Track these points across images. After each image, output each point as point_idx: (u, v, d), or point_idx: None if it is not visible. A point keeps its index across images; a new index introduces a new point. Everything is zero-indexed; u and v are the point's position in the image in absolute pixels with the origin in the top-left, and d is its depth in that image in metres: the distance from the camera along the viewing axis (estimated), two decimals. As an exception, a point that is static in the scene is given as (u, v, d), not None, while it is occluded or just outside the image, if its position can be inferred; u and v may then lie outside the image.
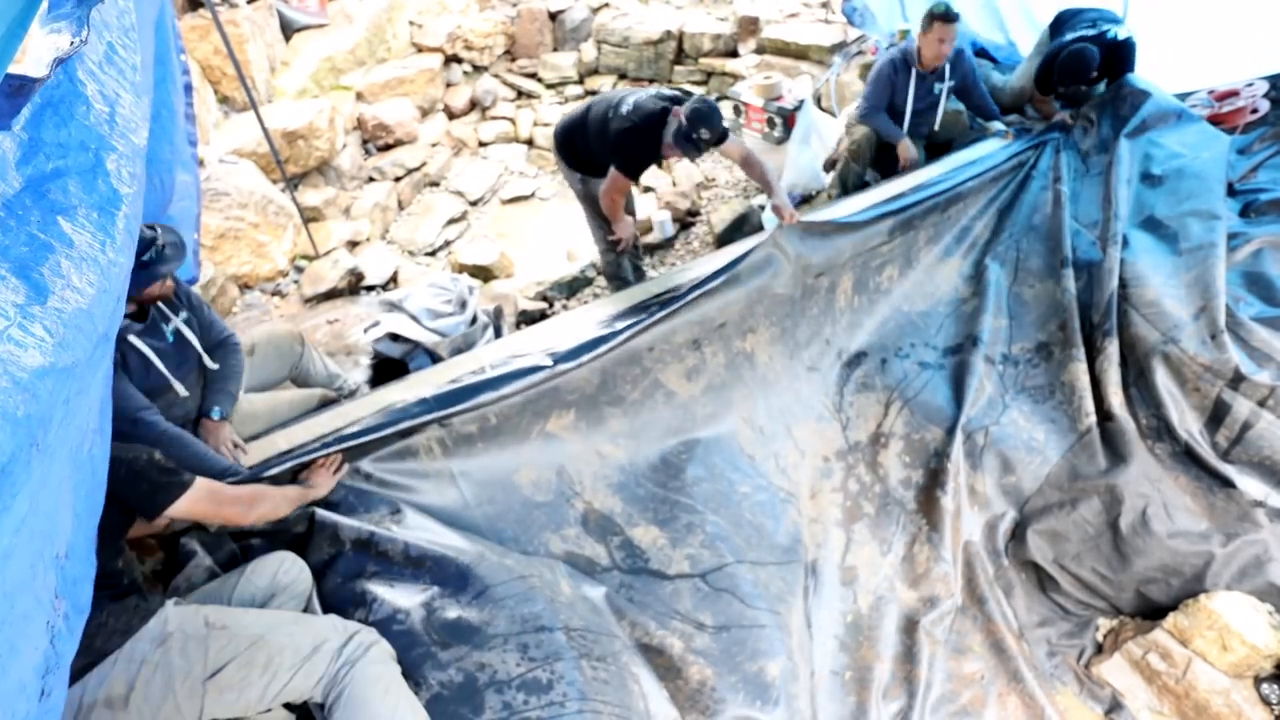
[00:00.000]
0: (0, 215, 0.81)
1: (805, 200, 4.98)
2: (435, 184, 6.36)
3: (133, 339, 2.35)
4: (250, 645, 1.87)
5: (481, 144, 6.88)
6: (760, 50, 6.76)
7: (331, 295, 4.56)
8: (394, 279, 4.86)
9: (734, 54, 6.96)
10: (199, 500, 1.96)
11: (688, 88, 6.97)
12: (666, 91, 3.34)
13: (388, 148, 6.43)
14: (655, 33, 7.06)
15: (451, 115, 7.11)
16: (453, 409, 2.70)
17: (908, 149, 4.24)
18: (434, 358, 3.27)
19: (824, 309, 3.52)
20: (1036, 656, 2.96)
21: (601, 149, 3.42)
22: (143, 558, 2.45)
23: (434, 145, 6.62)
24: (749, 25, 6.90)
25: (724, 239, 4.61)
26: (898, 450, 3.35)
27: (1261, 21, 4.32)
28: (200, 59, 5.44)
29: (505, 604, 2.29)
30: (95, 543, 1.69)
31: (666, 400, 3.11)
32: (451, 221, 5.83)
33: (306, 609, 2.22)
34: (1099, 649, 2.99)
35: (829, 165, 4.74)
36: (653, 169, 3.69)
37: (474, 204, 6.15)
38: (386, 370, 3.46)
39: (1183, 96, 4.44)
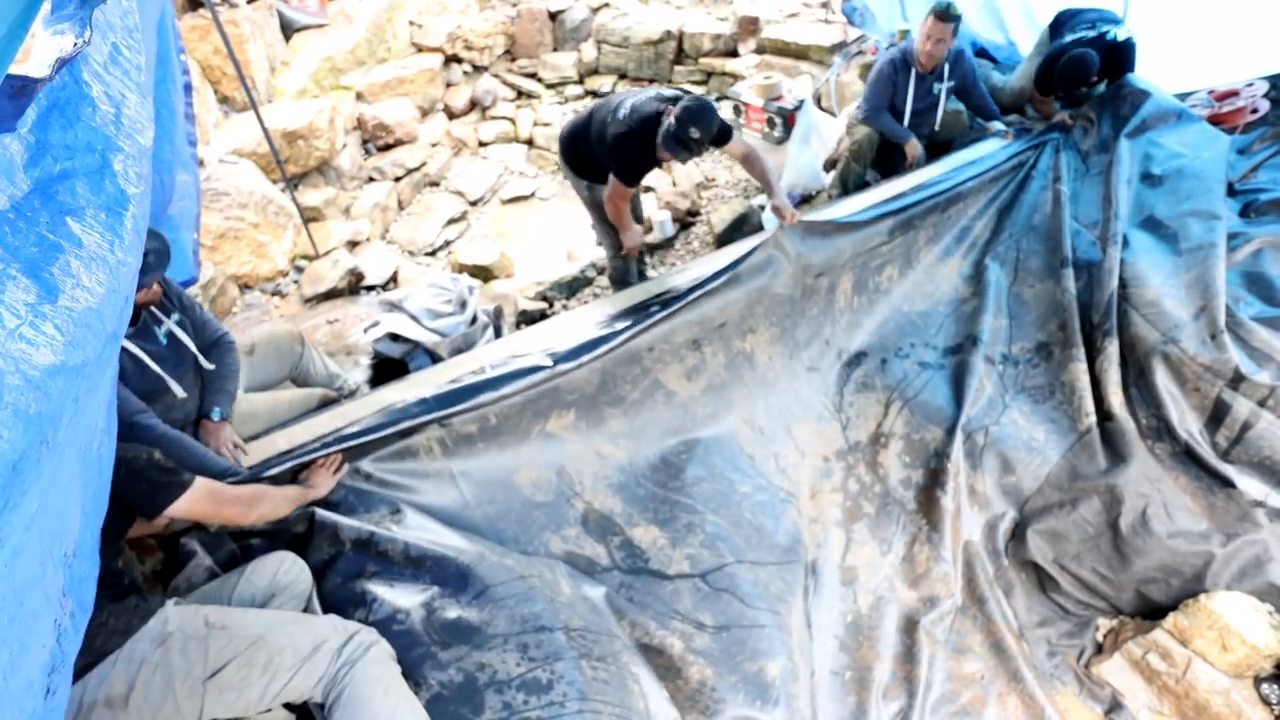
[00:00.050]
0: (10, 217, 0.81)
1: (805, 200, 4.99)
2: (435, 184, 6.36)
3: (125, 343, 2.33)
4: (250, 645, 1.87)
5: (481, 144, 6.88)
6: (760, 50, 6.76)
7: (331, 295, 4.56)
8: (394, 279, 4.86)
9: (734, 54, 6.96)
10: (199, 500, 1.96)
11: (688, 88, 6.98)
12: (666, 92, 3.30)
13: (388, 148, 6.43)
14: (655, 33, 7.06)
15: (451, 115, 7.11)
16: (453, 409, 2.70)
17: (915, 148, 4.24)
18: (434, 358, 3.27)
19: (824, 309, 3.52)
20: (1036, 656, 2.96)
21: (603, 155, 3.41)
22: (142, 558, 2.44)
23: (434, 145, 6.62)
24: (749, 25, 6.91)
25: (724, 239, 4.62)
26: (898, 450, 3.36)
27: (1261, 21, 4.33)
28: (200, 59, 5.44)
29: (505, 604, 2.29)
30: (99, 542, 1.70)
31: (666, 400, 3.11)
32: (451, 221, 5.83)
33: (306, 609, 2.22)
34: (1099, 649, 2.99)
35: (829, 165, 4.74)
36: (654, 170, 3.67)
37: (474, 204, 6.15)
38: (386, 370, 3.47)
39: (1183, 96, 4.44)
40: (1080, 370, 3.40)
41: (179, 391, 2.47)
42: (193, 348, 2.54)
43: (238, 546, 2.43)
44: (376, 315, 3.69)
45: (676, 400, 3.13)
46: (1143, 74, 4.24)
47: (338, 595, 2.30)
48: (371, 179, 6.12)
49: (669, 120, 3.10)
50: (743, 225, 4.81)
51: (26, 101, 0.87)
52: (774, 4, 7.12)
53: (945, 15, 3.95)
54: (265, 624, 1.94)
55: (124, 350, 2.33)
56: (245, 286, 4.70)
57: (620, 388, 3.03)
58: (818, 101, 5.71)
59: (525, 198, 6.23)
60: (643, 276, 4.04)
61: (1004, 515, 3.22)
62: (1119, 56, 4.20)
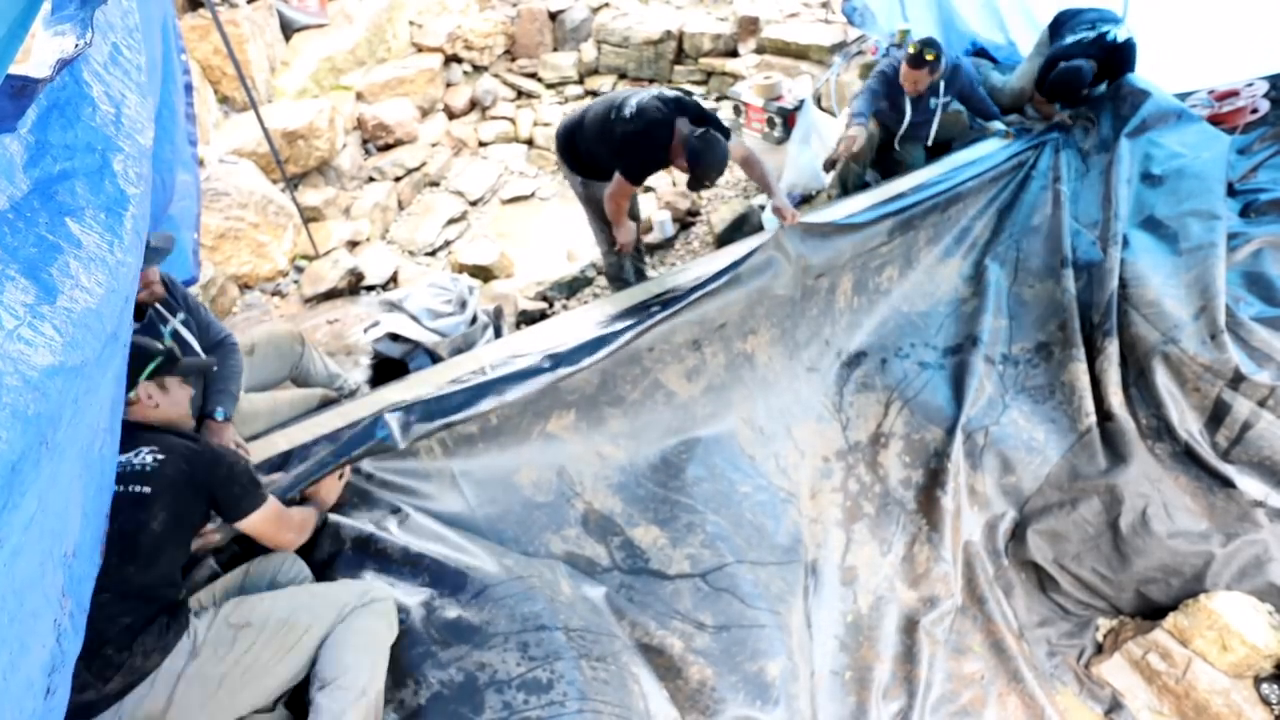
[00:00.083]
0: (9, 217, 0.81)
1: (805, 200, 4.98)
2: (435, 184, 6.36)
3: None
4: (277, 631, 1.92)
5: (481, 144, 6.88)
6: (760, 50, 6.76)
7: (331, 295, 4.56)
8: (394, 279, 4.86)
9: (734, 54, 6.96)
10: (269, 519, 2.03)
11: (688, 88, 6.98)
12: (668, 94, 3.29)
13: (388, 148, 6.43)
14: (655, 33, 7.06)
15: (451, 115, 7.11)
16: (454, 417, 2.70)
17: (854, 135, 4.14)
18: (434, 358, 3.27)
19: (824, 310, 3.52)
20: (1036, 656, 2.96)
21: (601, 151, 3.40)
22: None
23: (434, 145, 6.61)
24: (749, 25, 6.90)
25: (724, 239, 4.61)
26: (898, 450, 3.36)
27: (1261, 21, 4.33)
28: (200, 59, 5.44)
29: (505, 603, 2.29)
30: (140, 527, 1.75)
31: (667, 400, 3.11)
32: (451, 221, 5.83)
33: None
34: (1099, 649, 2.99)
35: (829, 165, 4.73)
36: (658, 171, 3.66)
37: (474, 204, 6.14)
38: (386, 370, 3.47)
39: (1183, 96, 4.44)
40: (1080, 370, 3.40)
41: None
42: (197, 347, 2.56)
43: (239, 547, 2.43)
44: (376, 315, 3.69)
45: (677, 400, 3.13)
46: (1143, 74, 4.24)
47: (338, 595, 2.30)
48: (371, 179, 6.11)
49: (682, 163, 3.20)
50: (743, 225, 4.81)
51: (27, 102, 0.87)
52: (774, 4, 7.12)
53: (916, 62, 3.94)
54: (285, 605, 1.98)
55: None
56: (245, 286, 4.70)
57: (620, 388, 3.03)
58: (818, 101, 5.71)
59: (525, 198, 6.22)
60: (642, 276, 4.03)
61: (1004, 515, 3.22)
62: (1119, 57, 4.19)
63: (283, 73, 6.26)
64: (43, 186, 0.86)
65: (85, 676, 1.67)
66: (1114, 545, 3.04)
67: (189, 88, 3.13)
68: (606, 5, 7.64)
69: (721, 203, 5.29)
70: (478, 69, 7.50)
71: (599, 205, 3.59)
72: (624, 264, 3.96)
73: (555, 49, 7.69)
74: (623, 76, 7.39)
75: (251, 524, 2.00)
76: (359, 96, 6.59)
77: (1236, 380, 3.13)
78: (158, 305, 2.47)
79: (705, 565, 2.78)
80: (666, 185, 5.69)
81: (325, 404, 2.93)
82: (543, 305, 4.46)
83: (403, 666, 2.13)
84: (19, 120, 0.86)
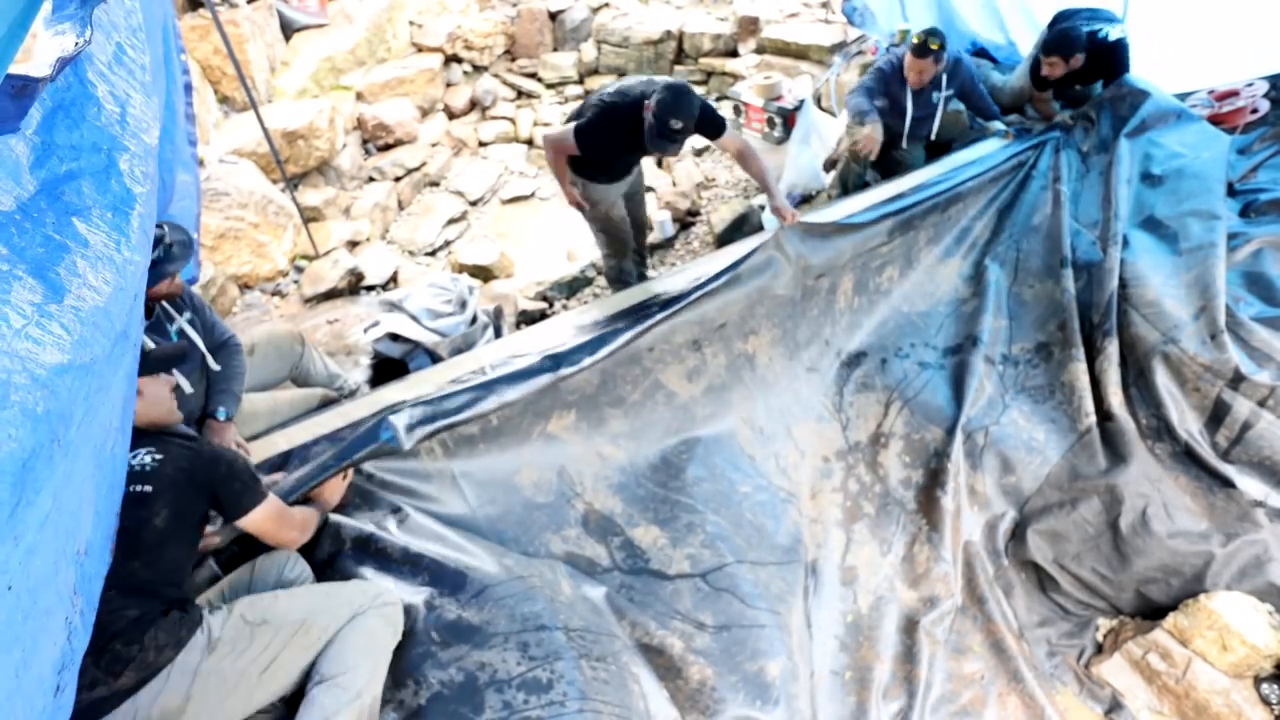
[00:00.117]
0: (16, 218, 0.81)
1: (805, 200, 4.99)
2: (435, 184, 6.36)
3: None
4: (295, 631, 1.93)
5: (481, 144, 6.88)
6: (760, 50, 6.76)
7: (331, 295, 4.56)
8: (394, 279, 4.86)
9: (734, 54, 6.97)
10: (270, 517, 2.04)
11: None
12: (658, 79, 3.20)
13: (388, 148, 6.43)
14: (655, 33, 7.07)
15: (451, 115, 7.11)
16: (453, 419, 2.70)
17: (871, 133, 4.09)
18: (434, 358, 3.27)
19: (824, 310, 3.53)
20: (1036, 656, 2.96)
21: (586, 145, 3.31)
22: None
23: (434, 145, 6.62)
24: (749, 25, 6.91)
25: (724, 239, 4.62)
26: (898, 450, 3.36)
27: (1261, 21, 4.33)
28: (200, 59, 5.44)
29: (505, 603, 2.29)
30: (143, 523, 1.76)
31: (667, 401, 3.11)
32: (451, 221, 5.83)
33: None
34: (1099, 649, 3.00)
35: (829, 165, 4.74)
36: (652, 169, 3.60)
37: (474, 204, 6.15)
38: (386, 370, 3.47)
39: (1183, 96, 4.44)
40: (1080, 370, 3.40)
41: (187, 387, 2.51)
42: (202, 346, 2.58)
43: (238, 548, 2.43)
44: (376, 315, 3.70)
45: (677, 401, 3.13)
46: (1143, 74, 4.24)
47: (339, 595, 2.30)
48: (371, 179, 6.12)
49: (648, 117, 3.03)
50: (743, 225, 4.81)
51: (28, 102, 0.87)
52: (774, 4, 7.13)
53: (920, 51, 3.94)
54: (302, 606, 1.99)
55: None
56: (245, 286, 4.70)
57: (621, 388, 3.03)
58: (818, 101, 5.71)
59: (525, 198, 6.23)
60: (642, 277, 4.04)
61: (1004, 515, 3.22)
62: (1113, 56, 4.20)
63: (283, 73, 6.26)
64: (49, 187, 0.86)
65: (94, 673, 1.66)
66: (1114, 545, 3.04)
67: (189, 88, 3.14)
68: (606, 5, 7.65)
69: (721, 203, 5.30)
70: (478, 69, 7.51)
71: (598, 208, 3.58)
72: (624, 266, 3.96)
73: (555, 49, 7.69)
74: (623, 76, 7.39)
75: (253, 521, 2.00)
76: (359, 96, 6.59)
77: (1236, 380, 3.13)
78: (164, 303, 2.48)
79: (705, 565, 2.78)
80: (666, 185, 5.69)
81: (325, 404, 2.93)
82: (543, 305, 4.46)
83: (403, 666, 2.13)
84: (21, 120, 0.86)
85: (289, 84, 6.18)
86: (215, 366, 2.62)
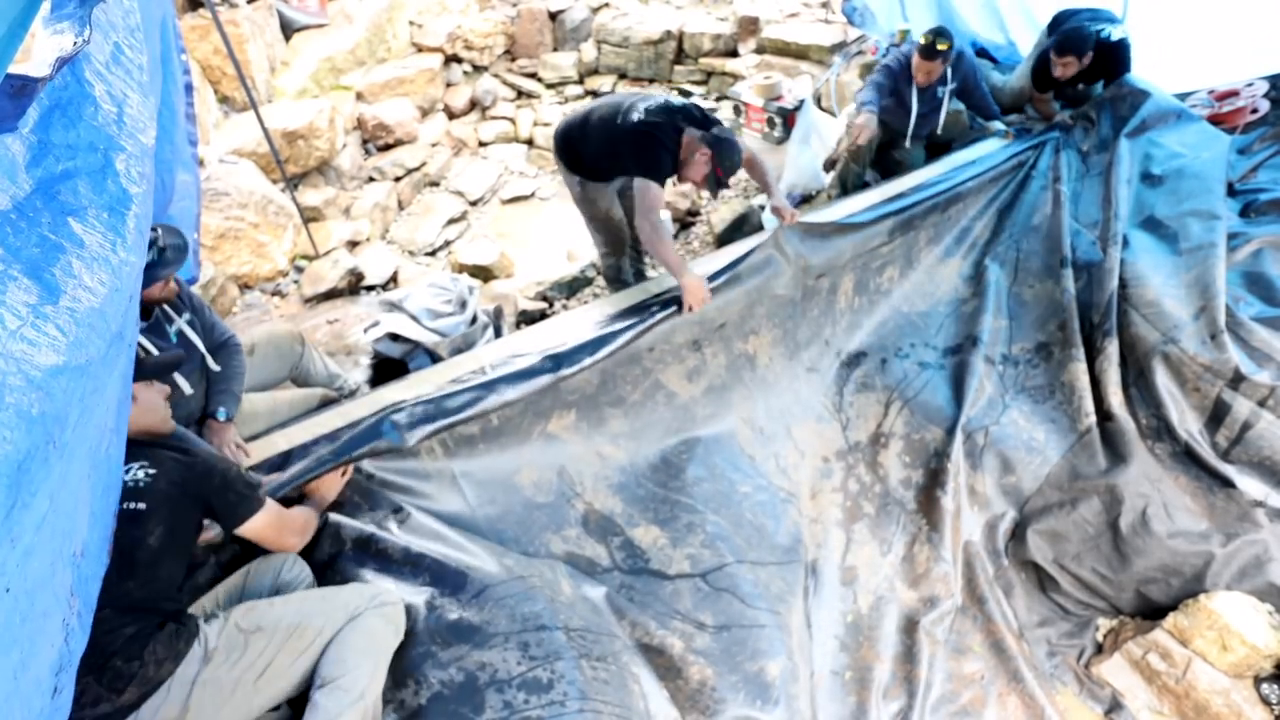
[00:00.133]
0: (12, 217, 0.81)
1: (805, 200, 4.98)
2: (435, 184, 6.36)
3: (140, 338, 2.34)
4: (289, 636, 1.92)
5: (481, 144, 6.88)
6: (760, 50, 6.76)
7: (331, 295, 4.55)
8: (394, 279, 4.86)
9: (734, 54, 6.96)
10: (269, 524, 2.03)
11: (688, 88, 6.99)
12: (675, 103, 3.22)
13: (388, 148, 6.43)
14: (655, 33, 7.06)
15: (451, 115, 7.11)
16: (456, 417, 2.70)
17: (864, 121, 4.09)
18: (434, 358, 3.26)
19: (825, 310, 3.53)
20: (1036, 656, 2.96)
21: (605, 153, 3.33)
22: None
23: (434, 145, 6.61)
24: (749, 25, 6.91)
25: (724, 239, 4.61)
26: (898, 450, 3.36)
27: (1261, 21, 4.33)
28: (200, 59, 5.44)
29: (505, 603, 2.29)
30: (138, 542, 1.75)
31: (667, 401, 3.11)
32: (451, 221, 5.83)
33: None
34: (1099, 649, 3.00)
35: (829, 165, 4.74)
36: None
37: (474, 204, 6.14)
38: (386, 370, 3.46)
39: (1183, 96, 4.44)
40: (1080, 370, 3.40)
41: (186, 389, 2.50)
42: (202, 347, 2.56)
43: (240, 548, 2.43)
44: (376, 315, 3.69)
45: (677, 401, 3.13)
46: (1143, 74, 4.24)
47: (338, 595, 2.30)
48: (371, 179, 6.11)
49: (705, 163, 3.08)
50: (743, 225, 4.81)
51: (27, 101, 0.87)
52: (774, 4, 7.12)
53: (929, 53, 3.93)
54: (296, 610, 1.98)
55: (138, 345, 2.33)
56: (245, 286, 4.69)
57: (621, 388, 3.03)
58: (818, 101, 5.71)
59: (525, 198, 6.22)
60: (642, 277, 4.03)
61: (1004, 515, 3.22)
62: (1114, 56, 4.20)
63: (283, 73, 6.25)
64: (45, 186, 0.86)
65: (97, 690, 1.66)
66: (1114, 545, 3.04)
67: (189, 88, 3.13)
68: (606, 5, 7.64)
69: (721, 203, 5.29)
70: (478, 69, 7.50)
71: (594, 205, 3.57)
72: (623, 266, 3.95)
73: (555, 49, 7.69)
74: (623, 76, 7.40)
75: (251, 529, 1.99)
76: (359, 96, 6.59)
77: (1236, 380, 3.13)
78: (163, 305, 2.47)
79: (705, 565, 2.78)
80: (666, 185, 5.68)
81: (325, 404, 2.93)
82: (543, 305, 4.45)
83: (403, 666, 2.13)
84: (20, 120, 0.86)
85: (289, 84, 6.17)
86: (215, 367, 2.61)
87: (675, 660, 2.55)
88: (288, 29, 6.54)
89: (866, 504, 3.23)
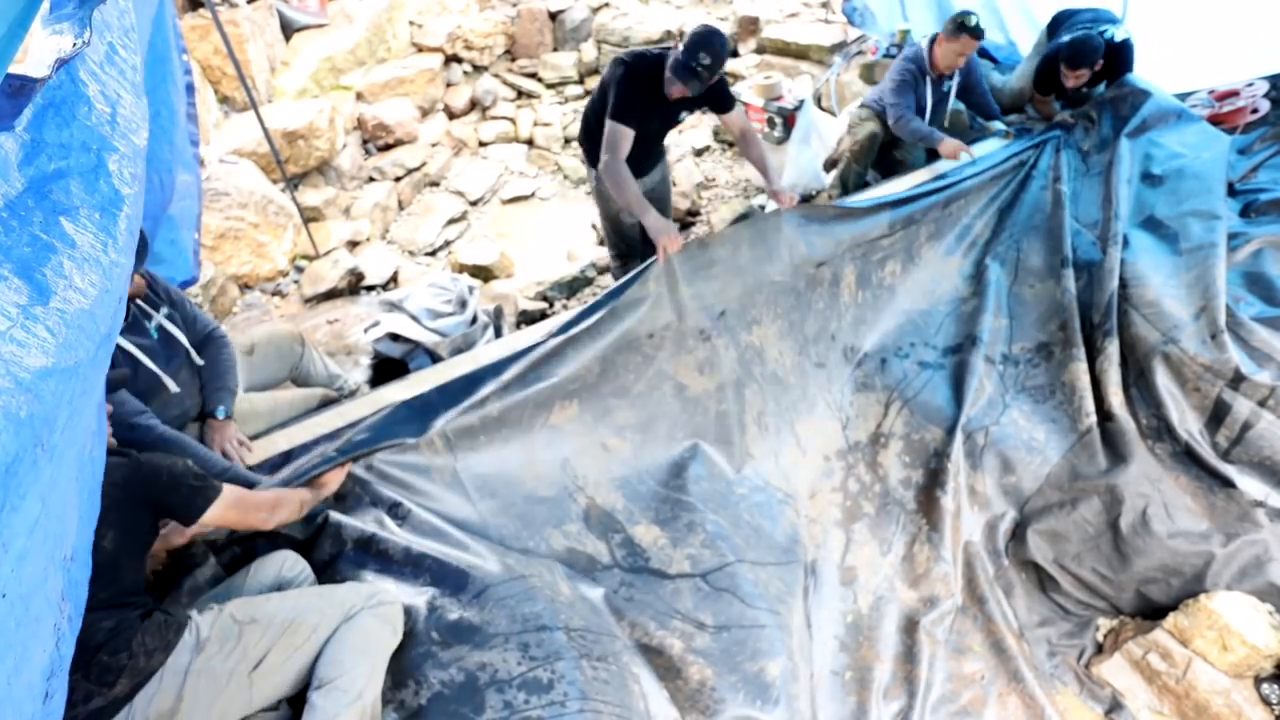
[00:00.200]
0: (3, 216, 0.81)
1: (805, 200, 4.98)
2: (435, 184, 6.36)
3: (120, 339, 2.29)
4: (284, 630, 1.92)
5: (481, 144, 6.88)
6: (760, 50, 6.76)
7: (331, 295, 4.56)
8: (394, 279, 4.86)
9: (734, 54, 6.96)
10: (230, 508, 1.99)
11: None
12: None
13: (388, 148, 6.43)
14: (655, 33, 7.06)
15: (451, 115, 7.11)
16: (462, 404, 2.70)
17: (950, 144, 4.01)
18: (434, 358, 3.27)
19: (830, 303, 3.50)
20: (1036, 656, 2.96)
21: (598, 113, 3.25)
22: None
23: (434, 145, 6.62)
24: (749, 25, 6.91)
25: (724, 239, 4.61)
26: (898, 450, 3.35)
27: (1261, 21, 4.33)
28: (200, 59, 5.44)
29: (506, 603, 2.29)
30: (93, 546, 1.71)
31: (675, 393, 3.10)
32: (451, 221, 5.83)
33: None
34: (1099, 649, 2.99)
35: (829, 165, 4.74)
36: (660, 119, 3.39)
37: (474, 204, 6.14)
38: (386, 370, 3.47)
39: (1183, 96, 4.44)
40: (1080, 370, 3.39)
41: (173, 387, 2.45)
42: (184, 341, 2.52)
43: (240, 549, 2.43)
44: (376, 315, 3.69)
45: (686, 393, 3.12)
46: (1143, 74, 4.24)
47: (338, 595, 2.30)
48: (371, 179, 6.11)
49: (677, 49, 3.00)
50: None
51: (25, 101, 0.87)
52: (774, 4, 7.12)
53: (977, 32, 3.88)
54: (291, 606, 1.98)
55: (118, 347, 2.29)
56: (245, 286, 4.70)
57: (623, 377, 3.02)
58: (818, 101, 5.71)
59: (525, 198, 6.22)
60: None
61: (1004, 515, 3.22)
62: (1117, 56, 4.20)
63: (283, 73, 6.26)
64: (37, 185, 0.86)
65: (87, 686, 1.66)
66: (1114, 545, 3.03)
67: (190, 88, 3.13)
68: (606, 5, 7.64)
69: (721, 203, 5.30)
70: (478, 69, 7.50)
71: (608, 205, 3.54)
72: (627, 270, 3.94)
73: (555, 49, 7.69)
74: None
75: (212, 518, 1.94)
76: (359, 96, 6.59)
77: (1237, 380, 3.13)
78: (140, 301, 2.42)
79: (706, 565, 2.78)
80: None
81: (325, 404, 2.93)
82: (543, 305, 4.46)
83: (403, 666, 2.13)
84: (16, 119, 0.86)
85: (289, 84, 6.17)
86: (199, 361, 2.56)
87: (675, 660, 2.55)
88: (288, 29, 6.54)
89: (866, 504, 3.23)
